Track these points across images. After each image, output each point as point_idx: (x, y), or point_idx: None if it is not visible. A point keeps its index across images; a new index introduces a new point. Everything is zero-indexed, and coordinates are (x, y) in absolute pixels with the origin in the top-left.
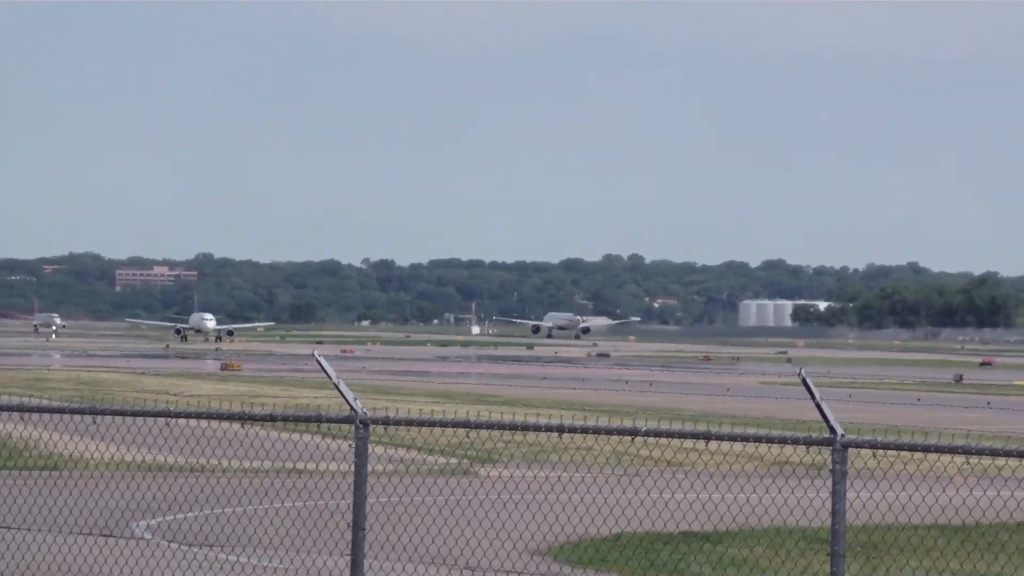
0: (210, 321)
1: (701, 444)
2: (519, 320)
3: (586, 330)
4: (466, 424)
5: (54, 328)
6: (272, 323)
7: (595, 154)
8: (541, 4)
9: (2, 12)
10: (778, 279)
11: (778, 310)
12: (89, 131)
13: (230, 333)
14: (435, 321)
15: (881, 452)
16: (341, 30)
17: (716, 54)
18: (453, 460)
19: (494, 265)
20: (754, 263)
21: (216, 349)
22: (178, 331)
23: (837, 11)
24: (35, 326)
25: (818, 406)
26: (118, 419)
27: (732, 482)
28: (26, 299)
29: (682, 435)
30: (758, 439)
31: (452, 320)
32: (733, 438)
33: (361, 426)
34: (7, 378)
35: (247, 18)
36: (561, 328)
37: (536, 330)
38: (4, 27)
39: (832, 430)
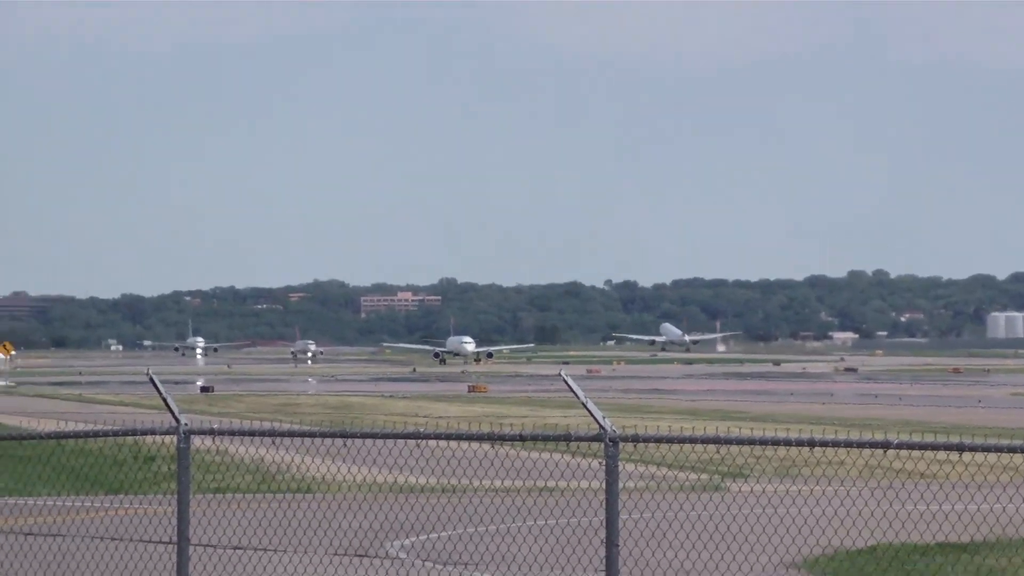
0: (469, 344)
1: (955, 455)
2: (635, 337)
3: (695, 342)
4: (715, 440)
5: (310, 354)
6: (531, 344)
7: (838, 168)
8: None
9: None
10: None
11: None
12: (336, 160)
13: (489, 355)
14: None
15: None
16: (555, 50)
17: (960, 65)
18: (704, 476)
19: (738, 283)
20: (1001, 276)
21: (462, 372)
22: (437, 355)
23: None
24: (293, 353)
25: None
26: (368, 442)
27: (987, 493)
28: (272, 328)
29: (935, 447)
30: (1012, 449)
31: None
32: (987, 449)
33: (611, 444)
34: (259, 404)
35: (457, 39)
36: (672, 342)
37: (652, 343)
38: (244, 47)
39: None
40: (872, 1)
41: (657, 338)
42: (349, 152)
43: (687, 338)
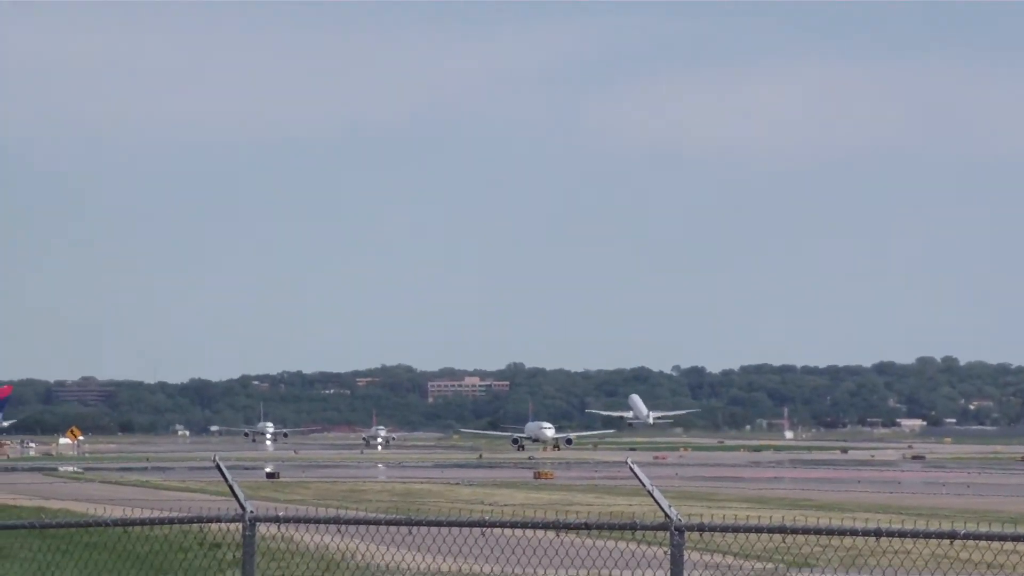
0: (549, 430)
1: (1022, 546)
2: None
3: (660, 419)
4: (782, 529)
5: (380, 440)
6: (611, 430)
7: (905, 254)
8: (830, 121)
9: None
10: None
11: None
12: (397, 246)
13: (568, 441)
14: (747, 427)
15: None
16: (620, 143)
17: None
18: (770, 565)
19: (806, 370)
20: None
21: (529, 458)
22: (515, 440)
23: None
24: (364, 438)
25: None
26: (433, 529)
27: None
28: (340, 412)
29: (1002, 537)
30: None
31: (765, 426)
32: None
33: (676, 532)
34: (325, 490)
35: (546, 136)
36: (636, 419)
37: (620, 419)
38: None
39: None
40: (926, 100)
41: (625, 414)
42: (416, 237)
43: (651, 417)
